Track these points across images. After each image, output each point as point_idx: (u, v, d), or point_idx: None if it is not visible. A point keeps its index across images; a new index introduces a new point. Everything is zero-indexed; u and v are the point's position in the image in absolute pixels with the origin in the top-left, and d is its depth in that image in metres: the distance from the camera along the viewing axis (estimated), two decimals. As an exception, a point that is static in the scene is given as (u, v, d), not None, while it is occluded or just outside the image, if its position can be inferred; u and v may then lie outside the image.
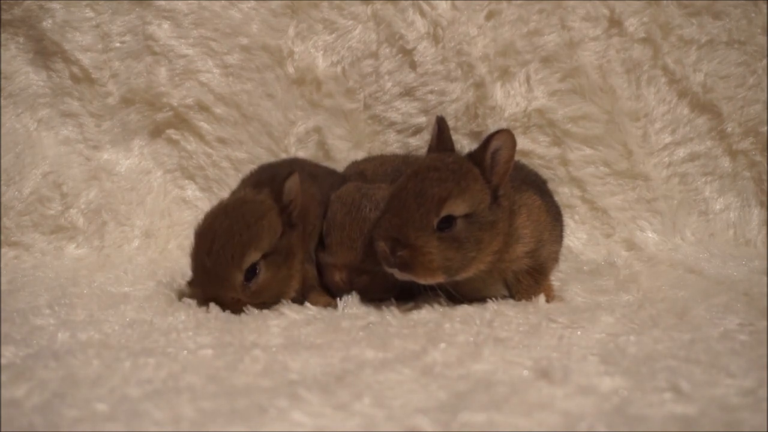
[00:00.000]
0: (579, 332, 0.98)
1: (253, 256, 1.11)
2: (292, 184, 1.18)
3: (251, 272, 1.11)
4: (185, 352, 0.88)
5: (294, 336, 0.99)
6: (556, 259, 1.28)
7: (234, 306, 1.11)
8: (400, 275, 1.06)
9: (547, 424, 0.67)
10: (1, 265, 1.45)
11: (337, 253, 1.15)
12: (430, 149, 1.19)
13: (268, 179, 1.24)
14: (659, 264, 1.50)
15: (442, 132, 1.17)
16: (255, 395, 0.73)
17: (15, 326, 0.99)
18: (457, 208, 1.04)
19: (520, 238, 1.14)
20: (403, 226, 1.03)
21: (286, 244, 1.16)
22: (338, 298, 1.15)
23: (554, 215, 1.26)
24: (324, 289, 1.21)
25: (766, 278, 1.29)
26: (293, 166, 1.39)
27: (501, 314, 1.08)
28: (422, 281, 1.06)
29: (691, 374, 0.79)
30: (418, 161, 1.15)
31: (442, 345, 0.89)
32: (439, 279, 1.06)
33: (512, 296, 1.19)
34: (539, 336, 0.97)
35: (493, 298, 1.16)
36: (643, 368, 0.81)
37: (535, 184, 1.30)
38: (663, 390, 0.74)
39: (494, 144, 1.08)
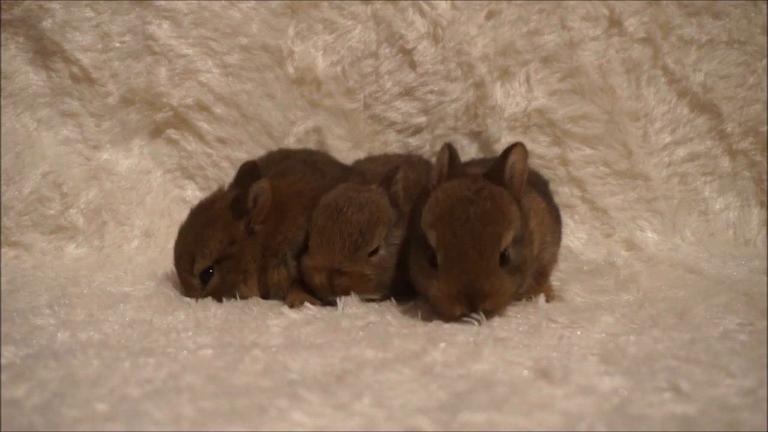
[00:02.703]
0: (579, 332, 0.98)
1: (202, 263, 1.19)
2: (258, 191, 1.20)
3: (206, 275, 1.20)
4: (185, 352, 0.88)
5: (294, 336, 0.99)
6: (555, 260, 1.28)
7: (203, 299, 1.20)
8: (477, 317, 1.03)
9: (547, 424, 0.67)
10: (1, 265, 1.45)
11: (317, 256, 1.15)
12: (442, 178, 1.13)
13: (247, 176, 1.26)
14: (659, 264, 1.50)
15: (454, 158, 1.14)
16: (255, 395, 0.73)
17: (15, 326, 0.99)
18: (509, 238, 1.04)
19: (530, 243, 1.13)
20: (476, 280, 1.01)
21: (239, 249, 1.20)
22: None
23: (555, 217, 1.26)
24: (309, 290, 1.21)
25: (766, 278, 1.29)
26: (303, 156, 1.41)
27: (501, 314, 1.08)
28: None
29: (691, 374, 0.79)
30: (447, 196, 1.07)
31: (442, 345, 0.89)
32: (510, 302, 1.08)
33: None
34: (539, 336, 0.97)
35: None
36: (643, 368, 0.81)
37: (536, 185, 1.29)
38: (663, 390, 0.74)
39: (511, 158, 1.08)
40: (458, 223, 1.03)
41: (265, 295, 1.25)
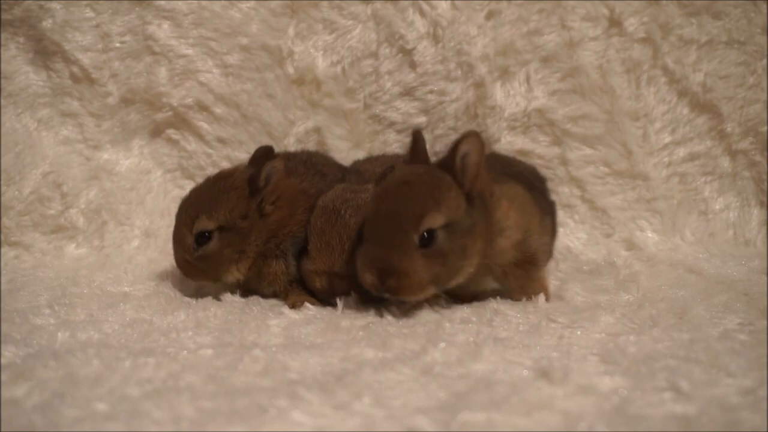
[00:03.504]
0: (579, 332, 0.98)
1: (205, 223, 1.18)
2: (271, 170, 1.20)
3: (202, 238, 1.18)
4: (185, 351, 0.88)
5: (294, 336, 0.99)
6: (548, 252, 1.26)
7: (184, 268, 1.22)
8: (391, 298, 1.04)
9: (547, 424, 0.67)
10: (1, 265, 1.45)
11: (317, 259, 1.16)
12: (404, 163, 1.15)
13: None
14: (659, 264, 1.50)
15: (416, 144, 1.13)
16: (255, 395, 0.73)
17: (15, 326, 0.99)
18: (436, 220, 1.01)
19: (502, 231, 1.11)
20: (386, 253, 1.01)
21: (247, 226, 1.19)
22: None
23: (543, 208, 1.24)
24: (309, 291, 1.21)
25: (766, 278, 1.29)
26: (303, 158, 1.42)
27: (501, 314, 1.08)
28: (414, 299, 1.05)
29: (690, 374, 0.79)
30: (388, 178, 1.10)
31: (442, 345, 0.89)
32: (429, 293, 1.04)
33: (506, 292, 1.18)
34: (539, 336, 0.97)
35: (494, 298, 1.15)
36: (642, 368, 0.81)
37: (523, 177, 1.28)
38: (663, 390, 0.74)
39: (463, 148, 1.05)
40: (388, 199, 1.04)
41: (251, 285, 1.24)
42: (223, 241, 1.19)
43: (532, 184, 1.28)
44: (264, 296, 1.24)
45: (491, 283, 1.17)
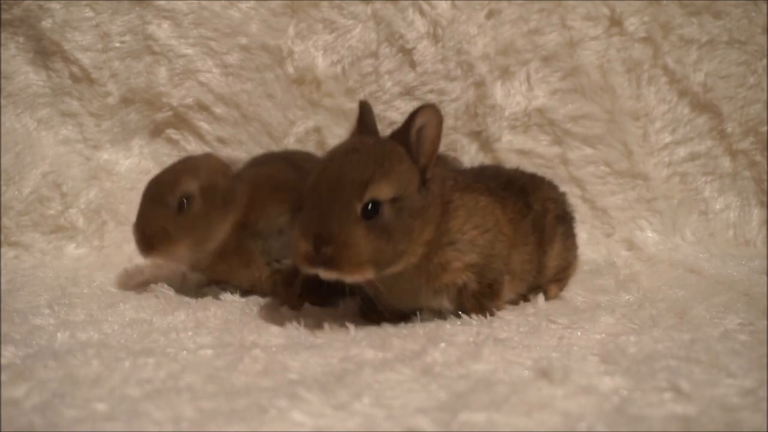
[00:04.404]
0: (579, 332, 0.98)
1: (187, 185, 1.17)
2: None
3: (188, 199, 1.17)
4: (185, 351, 0.88)
5: (294, 336, 0.99)
6: (529, 271, 1.14)
7: (156, 237, 1.17)
8: (325, 274, 0.93)
9: (547, 424, 0.67)
10: (1, 265, 1.45)
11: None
12: (352, 135, 1.08)
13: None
14: (659, 264, 1.50)
15: (364, 116, 1.06)
16: (255, 395, 0.73)
17: (15, 326, 0.99)
18: (382, 191, 0.93)
19: (453, 244, 1.02)
20: (325, 219, 0.91)
21: (230, 189, 1.21)
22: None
23: (519, 222, 1.13)
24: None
25: (766, 278, 1.29)
26: (283, 155, 1.46)
27: (500, 315, 1.07)
28: (349, 279, 0.94)
29: (691, 374, 0.79)
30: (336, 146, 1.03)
31: (442, 345, 0.89)
32: (368, 274, 0.93)
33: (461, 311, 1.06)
34: (539, 336, 0.97)
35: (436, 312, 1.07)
36: (643, 368, 0.81)
37: (507, 186, 1.17)
38: (663, 390, 0.74)
39: (419, 121, 0.97)
40: (332, 166, 0.96)
41: (221, 270, 1.24)
42: (207, 201, 1.19)
43: (503, 195, 1.14)
44: (238, 289, 1.23)
45: (445, 304, 1.06)
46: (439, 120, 0.99)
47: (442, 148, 1.62)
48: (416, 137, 0.98)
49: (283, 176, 1.30)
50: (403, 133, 0.99)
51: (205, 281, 1.31)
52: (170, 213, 1.17)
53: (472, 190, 1.08)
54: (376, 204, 0.93)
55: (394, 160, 0.96)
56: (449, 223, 1.02)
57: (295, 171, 1.32)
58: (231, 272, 1.24)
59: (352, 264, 0.91)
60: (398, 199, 0.94)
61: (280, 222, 1.23)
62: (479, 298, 1.06)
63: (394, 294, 1.03)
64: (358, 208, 0.92)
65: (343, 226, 0.91)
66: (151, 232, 1.18)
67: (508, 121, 1.66)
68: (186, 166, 1.22)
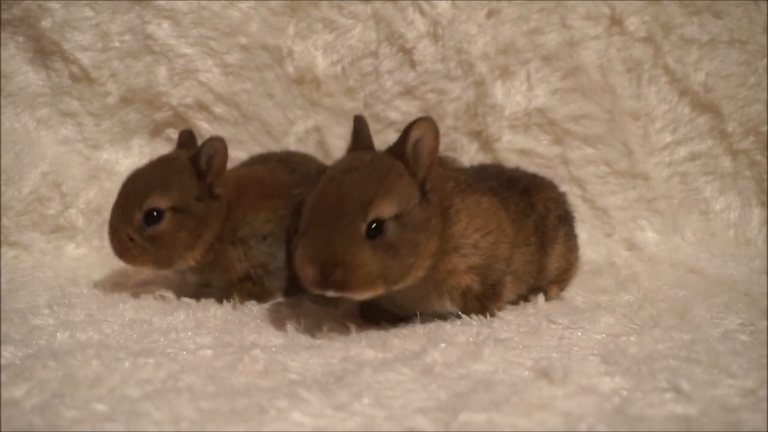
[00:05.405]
0: (579, 332, 0.98)
1: (158, 201, 1.13)
2: (212, 150, 1.16)
3: (152, 217, 1.13)
4: (184, 352, 0.88)
5: (294, 336, 0.99)
6: (529, 273, 1.14)
7: (124, 247, 1.15)
8: (335, 294, 0.93)
9: (547, 424, 0.67)
10: (1, 265, 1.45)
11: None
12: (348, 151, 1.07)
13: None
14: (659, 264, 1.49)
15: (359, 131, 1.05)
16: (255, 395, 0.73)
17: (14, 326, 0.99)
18: (385, 210, 0.92)
19: (458, 249, 1.01)
20: (330, 243, 0.90)
21: (203, 210, 1.16)
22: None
23: (522, 222, 1.13)
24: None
25: (766, 278, 1.29)
26: (279, 156, 1.43)
27: (500, 315, 1.07)
28: (359, 297, 0.95)
29: (691, 374, 0.79)
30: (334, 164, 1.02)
31: (442, 345, 0.89)
32: (378, 291, 0.93)
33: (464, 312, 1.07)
34: (539, 336, 0.97)
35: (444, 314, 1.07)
36: (643, 368, 0.81)
37: (510, 186, 1.17)
38: (663, 390, 0.74)
39: (414, 134, 0.97)
40: (332, 186, 0.94)
41: (204, 273, 1.22)
42: (177, 223, 1.14)
43: (507, 196, 1.14)
44: (217, 288, 1.22)
45: (447, 306, 1.07)
46: (436, 132, 0.98)
47: (442, 148, 1.64)
48: (413, 151, 0.98)
49: (273, 180, 1.27)
50: (399, 146, 0.99)
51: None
52: (137, 226, 1.14)
53: (473, 191, 1.07)
54: (380, 223, 0.92)
55: (394, 176, 0.96)
56: (451, 229, 1.01)
57: (290, 174, 1.31)
58: (211, 275, 1.24)
59: (362, 284, 0.91)
60: (401, 216, 0.94)
61: (265, 230, 1.21)
62: (482, 299, 1.06)
63: (399, 301, 1.04)
64: (363, 228, 0.91)
65: (349, 249, 0.90)
66: (118, 242, 1.16)
67: (509, 121, 1.66)
68: (162, 180, 1.16)
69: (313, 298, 1.15)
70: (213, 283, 1.25)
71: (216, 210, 1.18)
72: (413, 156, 0.98)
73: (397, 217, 0.94)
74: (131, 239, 1.15)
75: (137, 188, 1.16)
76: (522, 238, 1.12)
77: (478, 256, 1.03)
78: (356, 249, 0.90)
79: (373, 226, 0.92)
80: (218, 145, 1.17)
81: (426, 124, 0.98)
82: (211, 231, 1.18)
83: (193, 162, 1.18)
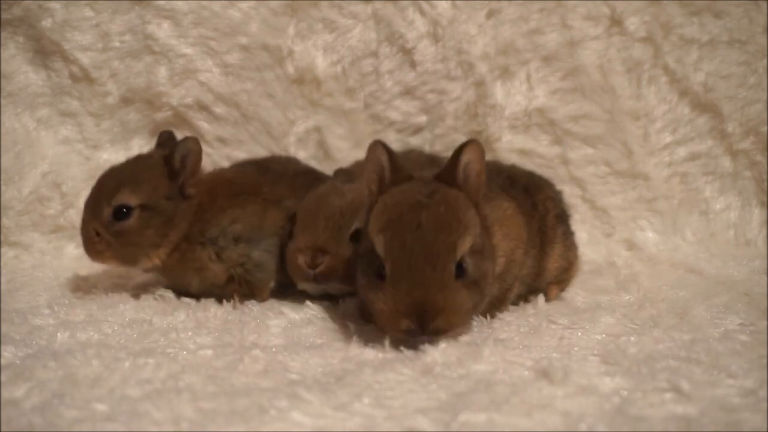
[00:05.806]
0: (579, 333, 0.98)
1: (127, 197, 1.13)
2: (186, 150, 1.17)
3: (121, 213, 1.13)
4: (185, 352, 0.88)
5: (294, 336, 0.99)
6: (529, 275, 1.13)
7: (90, 241, 1.15)
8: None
9: (547, 425, 0.67)
10: (1, 265, 1.45)
11: (299, 237, 1.14)
12: (382, 182, 1.00)
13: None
14: (659, 264, 1.50)
15: (394, 160, 0.99)
16: (255, 395, 0.73)
17: (14, 326, 0.99)
18: (465, 245, 0.90)
19: (494, 260, 1.00)
20: (428, 293, 0.87)
21: (171, 209, 1.16)
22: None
23: (530, 224, 1.12)
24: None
25: (766, 278, 1.29)
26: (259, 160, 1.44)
27: (500, 315, 1.07)
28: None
29: (691, 374, 0.79)
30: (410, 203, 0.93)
31: (442, 345, 0.89)
32: (467, 322, 0.95)
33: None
34: (539, 336, 0.97)
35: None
36: (643, 368, 0.81)
37: (512, 185, 1.16)
38: (664, 390, 0.74)
39: (464, 158, 0.95)
40: (408, 229, 0.89)
41: (173, 273, 1.21)
42: (144, 221, 1.14)
43: (519, 195, 1.15)
44: (193, 294, 1.20)
45: None
46: (482, 155, 0.97)
47: (443, 148, 1.64)
48: (464, 175, 0.96)
49: (243, 180, 1.27)
50: (450, 172, 0.96)
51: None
52: (105, 221, 1.14)
53: (493, 197, 1.05)
54: (462, 261, 0.91)
55: (465, 209, 0.93)
56: (491, 242, 1.00)
57: (262, 174, 1.30)
58: (183, 278, 1.21)
59: (460, 324, 0.92)
60: (474, 248, 0.92)
61: (235, 230, 1.20)
62: (495, 303, 1.05)
63: None
64: (452, 269, 0.89)
65: (447, 295, 0.88)
66: (85, 237, 1.16)
67: (509, 121, 1.66)
68: (133, 178, 1.16)
69: (304, 294, 1.16)
70: (190, 287, 1.21)
71: (185, 210, 1.18)
72: (464, 180, 0.96)
73: (472, 251, 0.92)
74: (98, 234, 1.15)
75: (109, 184, 1.16)
76: (530, 240, 1.12)
77: (501, 264, 1.02)
78: (453, 294, 0.88)
79: (460, 265, 0.90)
80: (192, 145, 1.17)
81: (474, 146, 0.96)
82: (177, 231, 1.17)
83: (166, 161, 1.18)
